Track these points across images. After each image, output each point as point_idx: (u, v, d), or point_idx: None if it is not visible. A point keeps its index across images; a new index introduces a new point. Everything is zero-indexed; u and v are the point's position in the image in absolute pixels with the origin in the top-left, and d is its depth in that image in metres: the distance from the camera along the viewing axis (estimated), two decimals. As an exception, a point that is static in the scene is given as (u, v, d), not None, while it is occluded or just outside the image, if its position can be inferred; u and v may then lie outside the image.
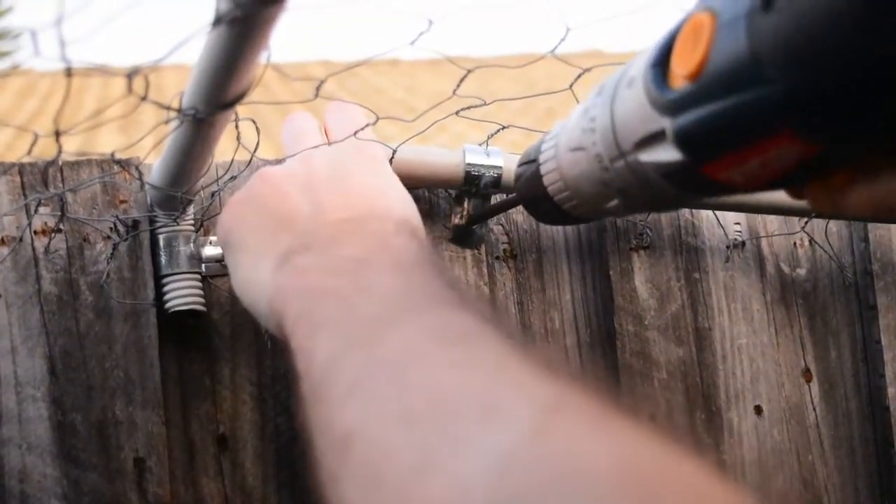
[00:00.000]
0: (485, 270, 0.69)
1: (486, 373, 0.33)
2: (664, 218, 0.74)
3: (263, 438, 0.63)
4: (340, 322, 0.40)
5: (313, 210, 0.50)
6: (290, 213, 0.51)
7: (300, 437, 0.38)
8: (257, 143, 0.58)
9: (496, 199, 0.69)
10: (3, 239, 0.58)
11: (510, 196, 0.58)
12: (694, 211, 0.75)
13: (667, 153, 0.35)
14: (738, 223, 0.77)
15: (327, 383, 0.37)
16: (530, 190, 0.48)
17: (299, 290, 0.45)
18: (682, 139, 0.34)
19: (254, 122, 0.53)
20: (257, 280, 0.49)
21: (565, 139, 0.44)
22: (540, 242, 0.72)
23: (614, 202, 0.42)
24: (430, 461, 0.30)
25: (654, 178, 0.38)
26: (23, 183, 0.59)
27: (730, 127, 0.32)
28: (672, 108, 0.34)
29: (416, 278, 0.43)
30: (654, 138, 0.36)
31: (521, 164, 0.49)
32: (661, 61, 0.35)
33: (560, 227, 0.73)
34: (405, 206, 0.53)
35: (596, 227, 0.73)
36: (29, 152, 0.45)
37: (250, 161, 0.61)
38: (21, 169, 0.59)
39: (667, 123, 0.35)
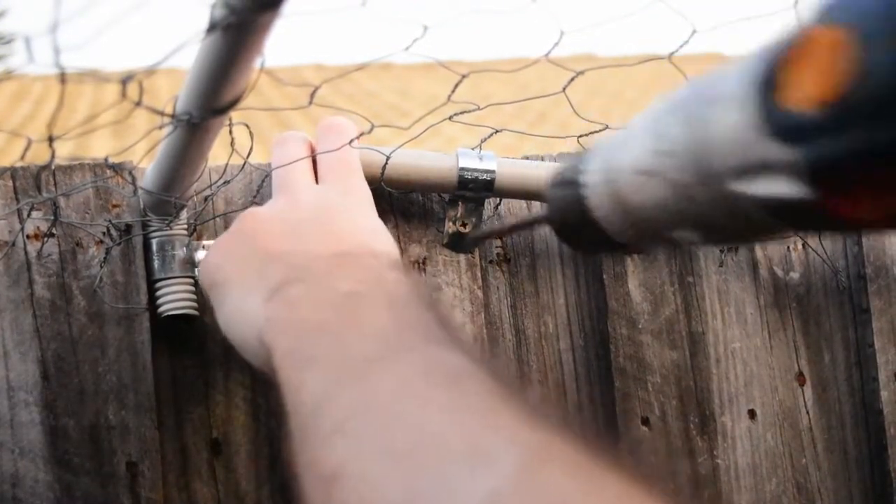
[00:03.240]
0: (478, 275, 0.69)
1: (476, 416, 0.33)
2: (657, 222, 0.74)
3: (257, 443, 0.63)
4: (331, 359, 0.40)
5: (303, 248, 0.51)
6: (279, 249, 0.51)
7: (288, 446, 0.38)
8: (251, 148, 0.58)
9: (491, 203, 0.69)
10: (-5, 243, 0.58)
11: (533, 215, 0.55)
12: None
13: (779, 185, 0.31)
14: (731, 227, 0.77)
15: (316, 420, 0.37)
16: (570, 216, 0.43)
17: (290, 323, 0.45)
18: (811, 172, 0.30)
19: (247, 126, 0.53)
20: (246, 312, 0.49)
21: (629, 160, 0.39)
22: (534, 246, 0.72)
23: (685, 232, 0.38)
24: (416, 499, 0.30)
25: (751, 211, 0.33)
26: (15, 187, 0.59)
27: (876, 157, 0.28)
28: (796, 136, 0.30)
29: (408, 315, 0.43)
30: (762, 168, 0.32)
31: (554, 187, 0.45)
32: (770, 81, 0.31)
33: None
34: (393, 247, 0.55)
35: (589, 231, 0.73)
36: (22, 157, 0.45)
37: (243, 166, 0.61)
38: (14, 173, 0.59)
39: (786, 153, 0.31)
